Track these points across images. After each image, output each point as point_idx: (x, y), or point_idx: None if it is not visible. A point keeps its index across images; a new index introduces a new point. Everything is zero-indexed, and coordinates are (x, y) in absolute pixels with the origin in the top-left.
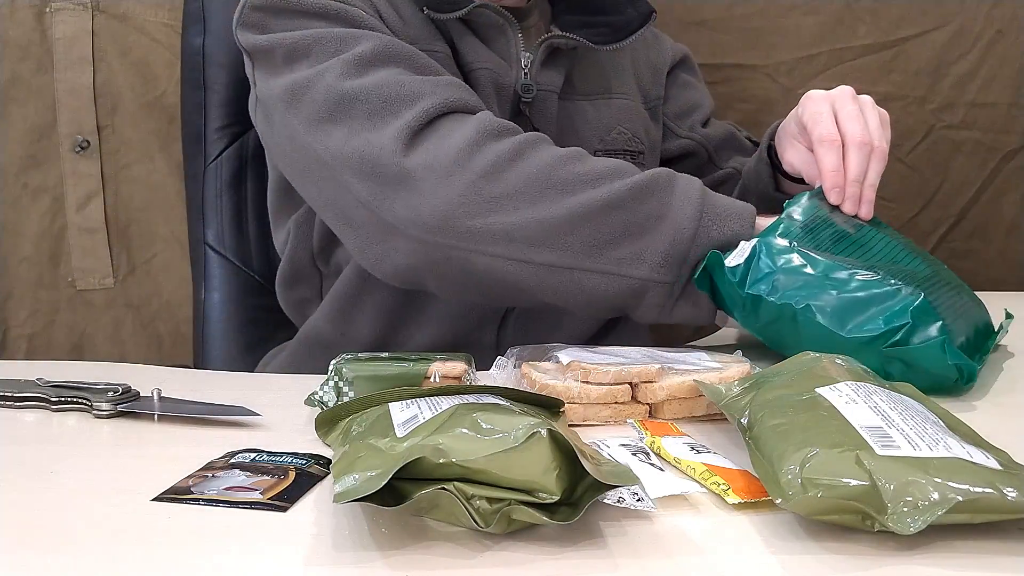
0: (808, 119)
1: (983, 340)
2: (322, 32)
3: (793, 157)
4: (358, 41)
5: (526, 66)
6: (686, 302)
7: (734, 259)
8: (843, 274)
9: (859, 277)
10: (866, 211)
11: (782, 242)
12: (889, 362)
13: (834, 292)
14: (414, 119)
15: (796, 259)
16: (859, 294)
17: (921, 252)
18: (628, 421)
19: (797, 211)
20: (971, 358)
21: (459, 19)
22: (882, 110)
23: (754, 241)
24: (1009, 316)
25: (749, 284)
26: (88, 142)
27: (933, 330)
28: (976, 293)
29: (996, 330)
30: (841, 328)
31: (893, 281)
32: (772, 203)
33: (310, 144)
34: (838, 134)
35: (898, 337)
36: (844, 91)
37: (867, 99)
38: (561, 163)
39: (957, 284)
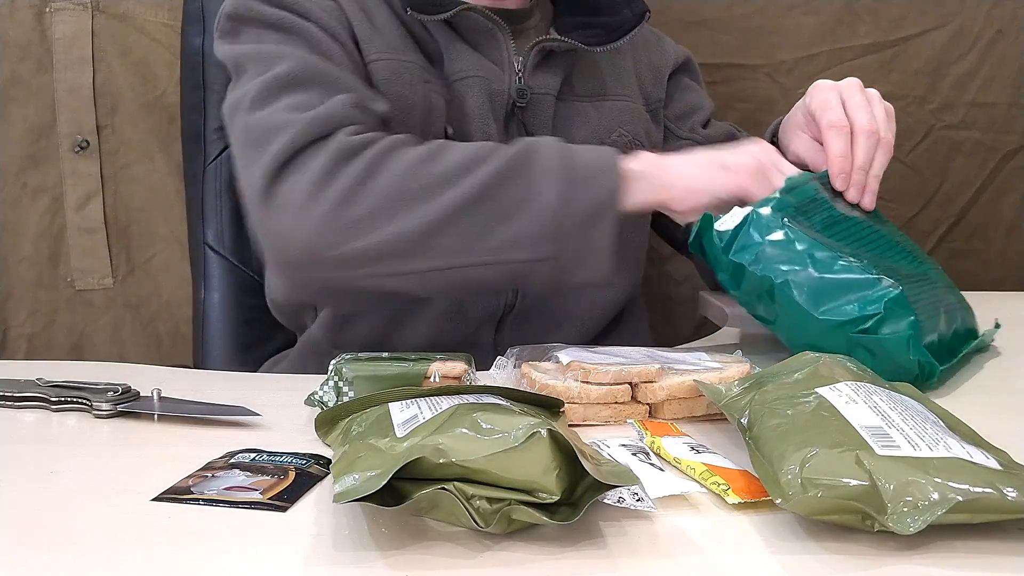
0: (816, 107)
1: (960, 343)
2: (258, 49)
3: (799, 147)
4: (279, 62)
5: (519, 70)
6: (584, 268)
7: (724, 223)
8: (827, 256)
9: (842, 262)
10: (869, 201)
11: (774, 216)
12: (855, 348)
13: (815, 272)
14: (276, 156)
15: (784, 234)
16: (838, 277)
17: (914, 251)
18: (628, 421)
19: (797, 189)
20: (939, 357)
21: (447, 24)
22: (888, 104)
23: (748, 209)
24: (997, 326)
25: (734, 251)
26: (88, 142)
27: (904, 324)
28: (976, 293)
29: (978, 336)
30: (815, 308)
31: (875, 271)
32: None
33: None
34: (847, 121)
35: (867, 325)
36: (852, 82)
37: (874, 92)
38: (417, 167)
39: (946, 286)
